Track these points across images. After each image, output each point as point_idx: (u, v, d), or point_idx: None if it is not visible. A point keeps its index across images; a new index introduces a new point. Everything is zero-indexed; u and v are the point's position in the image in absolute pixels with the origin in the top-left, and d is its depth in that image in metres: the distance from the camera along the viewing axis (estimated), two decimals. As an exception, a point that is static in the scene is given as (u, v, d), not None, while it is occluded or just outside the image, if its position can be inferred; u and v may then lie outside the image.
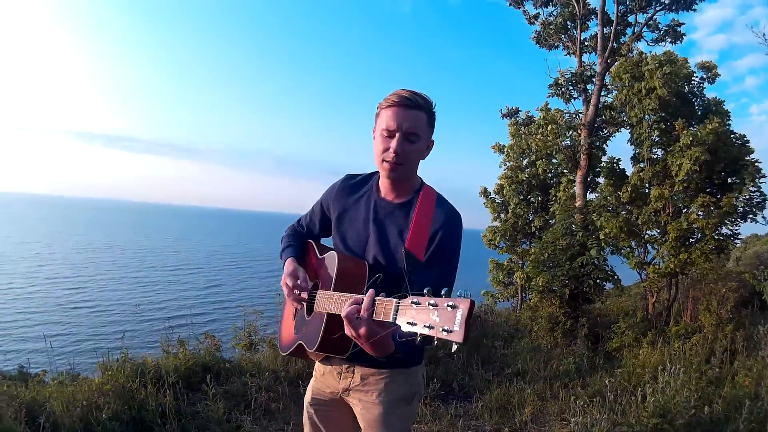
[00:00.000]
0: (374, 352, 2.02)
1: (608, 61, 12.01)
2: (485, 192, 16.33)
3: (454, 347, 1.58)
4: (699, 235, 9.39)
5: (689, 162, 8.98)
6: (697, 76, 10.63)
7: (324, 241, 2.75)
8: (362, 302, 1.92)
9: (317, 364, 2.69)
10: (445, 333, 1.58)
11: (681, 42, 12.77)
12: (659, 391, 4.87)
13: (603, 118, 12.47)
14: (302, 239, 2.76)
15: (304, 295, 2.48)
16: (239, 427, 4.86)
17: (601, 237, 9.67)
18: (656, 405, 4.63)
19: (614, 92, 11.71)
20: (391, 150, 2.26)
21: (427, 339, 1.62)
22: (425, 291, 1.68)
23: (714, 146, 9.18)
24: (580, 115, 12.79)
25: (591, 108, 12.17)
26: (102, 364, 5.58)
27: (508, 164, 15.85)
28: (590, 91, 12.48)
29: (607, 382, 5.27)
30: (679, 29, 12.74)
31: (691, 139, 9.08)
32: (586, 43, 13.61)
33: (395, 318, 1.76)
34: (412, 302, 1.71)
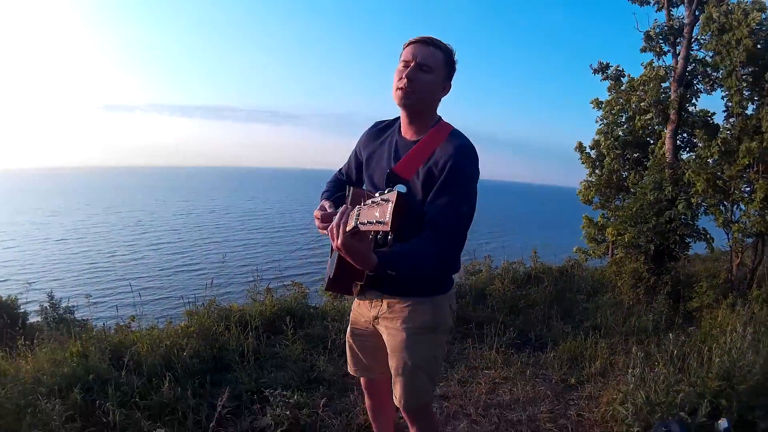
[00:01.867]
0: (359, 264, 2.18)
1: (696, 12, 11.66)
2: (581, 147, 16.19)
3: (389, 237, 1.79)
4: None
5: None
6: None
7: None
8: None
9: (355, 299, 2.95)
10: (380, 225, 1.75)
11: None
12: (726, 352, 4.82)
13: (695, 72, 12.18)
14: (341, 184, 2.95)
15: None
16: (313, 366, 5.15)
17: (691, 193, 9.54)
18: (721, 366, 4.57)
19: (706, 44, 11.35)
20: (405, 76, 2.46)
21: (377, 233, 1.88)
22: (377, 194, 1.83)
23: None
24: (672, 70, 12.52)
25: (680, 61, 11.86)
26: (189, 311, 6.03)
27: (606, 120, 15.64)
28: (679, 45, 12.19)
29: (675, 340, 5.28)
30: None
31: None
32: None
33: (356, 222, 1.94)
34: (364, 204, 1.91)
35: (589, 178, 16.02)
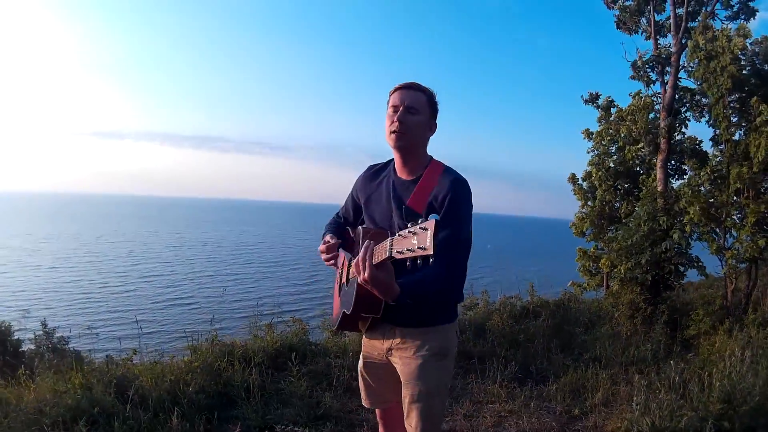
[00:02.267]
0: (383, 295, 2.40)
1: (683, 41, 11.86)
2: (573, 178, 16.31)
3: (431, 260, 1.93)
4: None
5: (767, 141, 8.81)
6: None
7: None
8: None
9: (364, 334, 3.09)
10: (421, 251, 1.93)
11: (754, 18, 12.59)
12: (726, 376, 4.94)
13: (683, 100, 12.35)
14: (340, 225, 3.18)
15: (345, 273, 2.95)
16: (319, 402, 5.17)
17: (685, 221, 9.61)
18: (722, 390, 4.69)
19: (693, 72, 11.49)
20: (396, 119, 2.69)
21: (415, 259, 1.98)
22: (409, 224, 2.04)
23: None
24: (660, 98, 12.70)
25: (668, 90, 12.08)
26: (191, 345, 6.08)
27: (597, 151, 15.79)
28: (667, 74, 12.36)
29: (675, 367, 5.35)
30: (751, 4, 12.48)
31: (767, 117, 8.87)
32: (662, 23, 13.47)
33: (390, 252, 2.12)
34: (399, 235, 2.09)
35: (582, 210, 16.11)
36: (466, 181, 2.72)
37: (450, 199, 2.61)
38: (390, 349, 2.91)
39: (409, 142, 2.74)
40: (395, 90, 2.78)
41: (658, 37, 13.50)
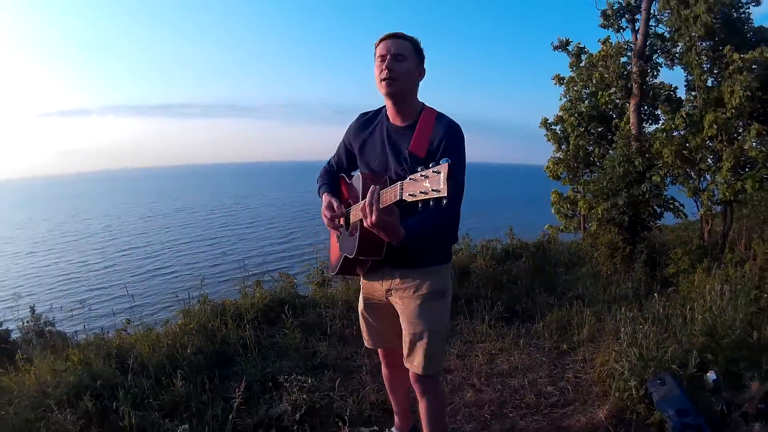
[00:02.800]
0: (390, 237, 2.49)
1: None
2: (546, 123, 16.33)
3: (444, 201, 2.01)
4: (753, 164, 9.24)
5: (741, 88, 8.90)
6: (744, 2, 10.33)
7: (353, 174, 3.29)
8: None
9: (363, 277, 3.22)
10: (435, 193, 2.01)
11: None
12: (708, 310, 5.10)
13: (654, 47, 12.40)
14: (333, 175, 3.30)
15: (342, 220, 3.03)
16: (316, 352, 5.34)
17: (659, 165, 9.74)
18: (704, 324, 4.86)
19: (665, 19, 11.53)
20: (384, 68, 2.78)
21: (426, 202, 2.05)
22: (419, 169, 2.10)
23: (765, 75, 9.03)
24: (631, 45, 12.75)
25: (640, 37, 12.02)
26: (184, 309, 6.15)
27: (569, 96, 15.85)
28: (638, 21, 12.39)
29: (660, 304, 5.56)
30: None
31: (741, 64, 8.99)
32: None
33: (401, 195, 2.19)
34: (410, 179, 2.14)
35: (556, 154, 16.19)
36: (459, 126, 2.82)
37: (446, 143, 2.72)
38: (389, 290, 3.06)
39: (399, 88, 2.82)
40: (380, 41, 2.86)
41: None
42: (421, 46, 2.91)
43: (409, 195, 2.14)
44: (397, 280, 3.01)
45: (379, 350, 3.49)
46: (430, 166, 2.06)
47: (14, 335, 12.10)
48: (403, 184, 2.19)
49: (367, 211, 2.38)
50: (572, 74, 15.56)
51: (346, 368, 5.14)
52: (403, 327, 3.06)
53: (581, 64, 15.16)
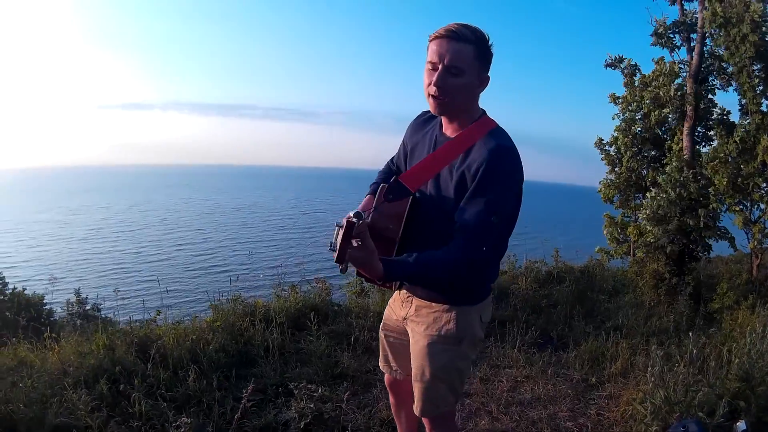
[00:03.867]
0: (366, 273, 2.16)
1: (706, 5, 11.49)
2: (600, 143, 16.06)
3: (339, 267, 1.73)
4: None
5: None
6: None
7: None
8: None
9: (394, 293, 2.87)
10: (333, 253, 1.71)
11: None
12: (745, 353, 4.78)
13: (710, 68, 12.02)
14: (390, 174, 2.83)
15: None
16: (338, 361, 5.21)
17: (711, 192, 9.44)
18: (740, 367, 4.54)
19: (718, 38, 11.12)
20: (432, 84, 2.27)
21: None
22: (352, 212, 1.78)
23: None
24: (686, 65, 12.39)
25: (695, 57, 11.69)
26: (214, 304, 6.15)
27: (623, 116, 15.54)
28: (693, 40, 12.02)
29: (695, 340, 5.25)
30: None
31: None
32: None
33: (332, 242, 1.89)
34: (336, 224, 1.81)
35: (609, 176, 15.91)
36: (514, 148, 2.32)
37: (485, 170, 2.22)
38: (406, 318, 2.73)
39: (450, 108, 2.36)
40: (434, 38, 2.28)
41: (683, 1, 13.09)
42: (489, 44, 2.31)
43: (330, 243, 1.89)
44: (413, 310, 2.66)
45: (386, 376, 3.13)
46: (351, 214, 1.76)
47: (58, 315, 12.40)
48: (343, 223, 1.86)
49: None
50: (626, 93, 15.21)
51: (366, 381, 5.03)
52: (411, 361, 2.71)
53: (635, 83, 14.81)
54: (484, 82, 2.36)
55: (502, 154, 2.25)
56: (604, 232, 16.15)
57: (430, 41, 2.30)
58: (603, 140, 16.05)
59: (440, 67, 2.25)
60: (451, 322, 2.53)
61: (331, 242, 1.94)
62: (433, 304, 2.57)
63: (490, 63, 2.34)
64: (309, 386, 4.16)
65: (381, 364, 3.08)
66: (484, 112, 2.44)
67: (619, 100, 15.52)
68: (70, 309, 12.49)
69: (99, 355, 4.69)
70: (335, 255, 1.71)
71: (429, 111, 2.59)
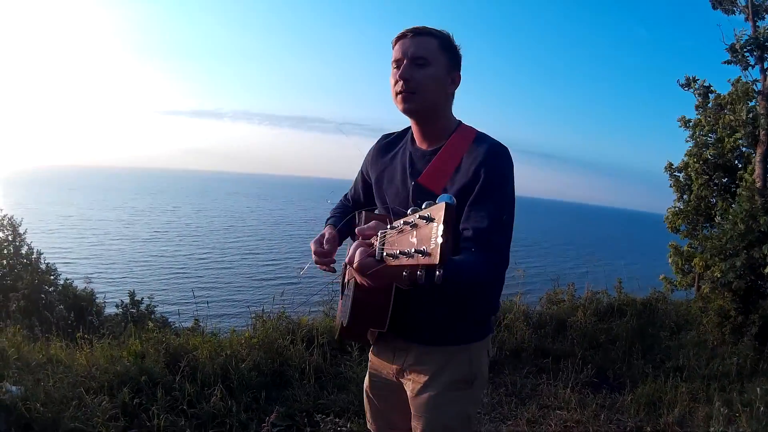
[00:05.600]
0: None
1: None
2: (670, 167, 15.47)
3: (437, 274, 1.24)
4: None
5: None
6: None
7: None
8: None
9: (372, 348, 2.49)
10: (420, 256, 1.26)
11: None
12: None
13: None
14: (348, 210, 2.55)
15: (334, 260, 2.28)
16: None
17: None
18: None
19: None
20: (398, 76, 2.10)
21: (414, 272, 1.29)
22: (409, 210, 1.39)
23: None
24: (759, 85, 11.76)
25: None
26: (255, 319, 5.96)
27: (694, 141, 14.92)
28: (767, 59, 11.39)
29: (761, 394, 4.88)
30: None
31: None
32: (759, 5, 12.35)
33: (381, 254, 1.51)
34: (393, 227, 1.46)
35: (677, 204, 15.33)
36: (506, 149, 2.12)
37: (486, 171, 2.01)
38: (402, 370, 2.32)
39: (420, 103, 2.13)
40: (397, 39, 2.16)
41: (756, 18, 12.46)
42: (454, 42, 2.17)
43: (389, 256, 1.45)
44: (412, 359, 2.27)
45: None
46: (424, 206, 1.33)
47: (108, 313, 12.49)
48: (386, 236, 1.52)
49: (353, 271, 1.69)
50: (698, 116, 14.58)
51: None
52: (412, 418, 2.29)
53: (708, 105, 14.17)
54: (455, 80, 2.19)
55: (498, 153, 2.09)
56: (669, 261, 15.56)
57: (394, 45, 2.17)
58: (673, 165, 15.47)
59: (405, 61, 2.11)
60: (464, 363, 2.22)
61: (393, 253, 1.44)
62: (441, 347, 2.22)
63: (458, 62, 2.20)
64: (336, 420, 3.92)
65: (373, 427, 2.61)
66: (460, 121, 2.25)
67: (690, 123, 14.91)
68: (123, 309, 12.56)
69: (126, 362, 4.61)
70: (436, 256, 1.20)
71: (390, 134, 2.45)
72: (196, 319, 6.24)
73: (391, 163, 2.34)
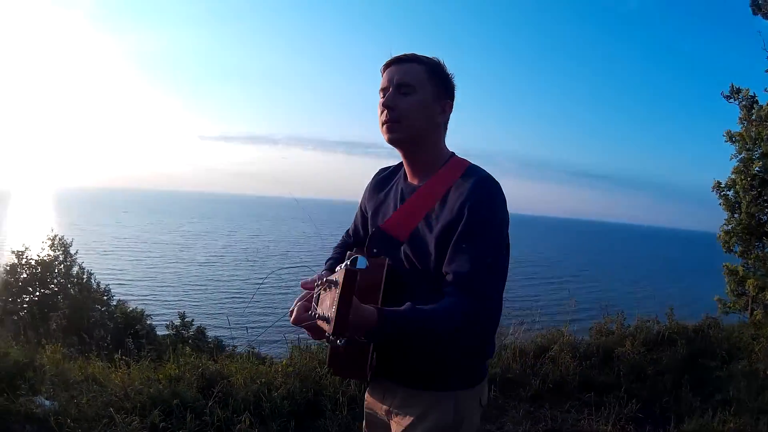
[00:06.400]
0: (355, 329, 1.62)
1: None
2: (718, 186, 15.00)
3: (339, 342, 1.26)
4: None
5: None
6: None
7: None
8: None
9: (368, 387, 2.36)
10: (326, 324, 1.26)
11: None
12: None
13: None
14: (348, 248, 2.41)
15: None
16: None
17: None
18: None
19: None
20: (381, 104, 2.03)
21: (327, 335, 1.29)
22: (342, 264, 1.32)
23: None
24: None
25: None
26: (296, 346, 5.87)
27: (740, 156, 14.44)
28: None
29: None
30: None
31: None
32: None
33: (314, 312, 1.47)
34: (326, 281, 1.40)
35: (729, 224, 14.83)
36: (495, 181, 1.97)
37: (470, 208, 1.88)
38: (389, 412, 2.18)
39: (405, 132, 2.03)
40: (384, 68, 2.09)
41: None
42: (444, 68, 2.08)
43: (316, 314, 1.43)
44: (398, 401, 2.12)
45: None
46: (343, 264, 1.29)
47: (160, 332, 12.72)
48: (319, 293, 1.48)
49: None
50: (742, 129, 14.12)
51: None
52: None
53: (752, 117, 13.71)
54: (445, 108, 2.08)
55: (487, 187, 1.94)
56: (726, 280, 15.01)
57: (382, 73, 2.09)
58: (721, 183, 15.02)
59: (390, 89, 2.02)
60: (447, 411, 2.03)
61: (314, 313, 1.47)
62: (423, 391, 2.06)
63: (449, 90, 2.09)
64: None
65: None
66: (453, 153, 2.14)
67: (736, 137, 14.45)
68: (173, 330, 12.77)
69: (160, 385, 4.63)
70: (331, 326, 1.22)
71: (387, 168, 2.37)
72: (234, 347, 6.22)
73: (385, 199, 2.25)
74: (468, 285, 1.81)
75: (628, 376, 6.41)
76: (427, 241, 1.98)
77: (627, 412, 5.46)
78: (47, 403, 4.24)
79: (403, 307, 1.75)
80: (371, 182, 2.38)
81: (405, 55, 2.05)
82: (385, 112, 2.01)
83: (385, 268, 2.03)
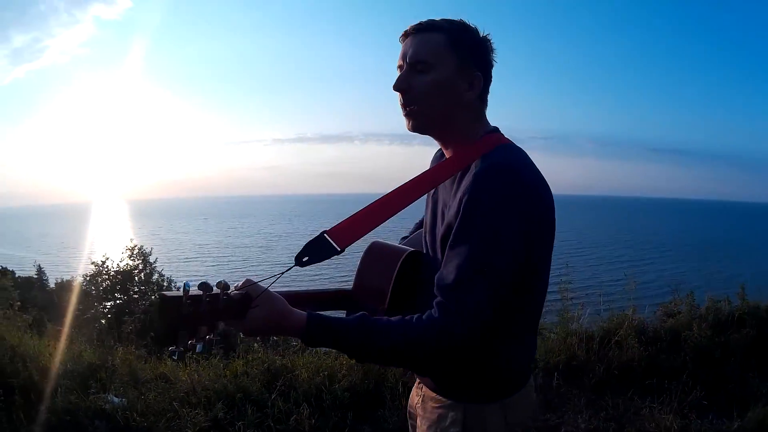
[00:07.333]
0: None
1: None
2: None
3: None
4: None
5: None
6: None
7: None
8: None
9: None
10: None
11: None
12: None
13: None
14: (419, 227, 2.17)
15: None
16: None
17: None
18: None
19: None
20: (394, 88, 1.69)
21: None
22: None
23: None
24: None
25: None
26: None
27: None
28: None
29: None
30: None
31: None
32: None
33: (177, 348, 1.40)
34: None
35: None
36: (510, 167, 1.56)
37: (467, 203, 1.52)
38: (416, 406, 1.96)
39: (427, 117, 1.69)
40: (401, 39, 1.71)
41: None
42: (471, 32, 1.67)
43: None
44: (420, 401, 1.90)
45: None
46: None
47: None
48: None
49: None
50: None
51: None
52: None
53: None
54: (474, 82, 1.67)
55: (492, 177, 1.52)
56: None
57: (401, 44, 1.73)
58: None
59: (405, 67, 1.67)
60: (456, 423, 1.73)
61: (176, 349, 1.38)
62: (441, 397, 1.78)
63: (479, 59, 1.68)
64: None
65: None
66: (495, 129, 1.74)
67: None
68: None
69: (225, 380, 4.75)
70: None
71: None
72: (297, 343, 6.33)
73: None
74: (447, 297, 1.51)
75: (695, 360, 6.09)
76: (435, 237, 1.74)
77: (691, 399, 5.21)
78: (116, 399, 4.41)
79: (352, 316, 1.55)
80: (433, 158, 2.01)
81: (421, 23, 1.67)
82: (399, 96, 1.69)
83: (400, 261, 1.78)
